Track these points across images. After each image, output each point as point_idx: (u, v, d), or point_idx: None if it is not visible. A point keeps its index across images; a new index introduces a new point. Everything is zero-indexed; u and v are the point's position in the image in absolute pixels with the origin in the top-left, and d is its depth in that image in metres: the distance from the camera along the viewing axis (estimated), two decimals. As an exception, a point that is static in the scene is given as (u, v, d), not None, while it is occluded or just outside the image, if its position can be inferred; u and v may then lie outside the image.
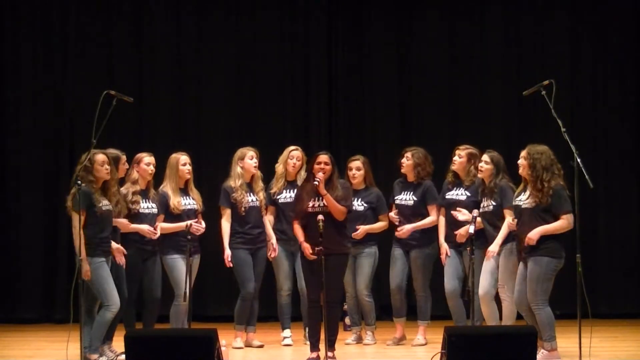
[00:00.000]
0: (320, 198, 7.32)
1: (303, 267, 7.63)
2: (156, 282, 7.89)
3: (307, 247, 7.27)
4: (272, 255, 8.38)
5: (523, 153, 7.28)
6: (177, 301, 7.98)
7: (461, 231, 7.93)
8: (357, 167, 8.42)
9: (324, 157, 7.39)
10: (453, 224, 8.09)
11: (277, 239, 8.41)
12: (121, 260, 7.42)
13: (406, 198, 8.41)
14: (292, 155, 8.43)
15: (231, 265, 8.24)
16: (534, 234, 7.09)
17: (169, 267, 7.96)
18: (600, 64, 10.73)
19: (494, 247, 7.61)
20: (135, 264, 7.67)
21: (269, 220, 8.41)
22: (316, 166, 7.37)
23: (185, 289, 7.66)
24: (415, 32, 10.79)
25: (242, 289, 8.25)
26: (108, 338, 7.50)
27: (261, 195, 8.33)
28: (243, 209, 8.24)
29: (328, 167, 7.36)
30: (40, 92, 10.53)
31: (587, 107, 10.71)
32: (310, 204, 7.35)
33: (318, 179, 7.29)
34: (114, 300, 7.11)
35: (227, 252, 8.22)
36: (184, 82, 10.67)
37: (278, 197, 8.40)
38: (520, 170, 7.34)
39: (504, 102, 10.66)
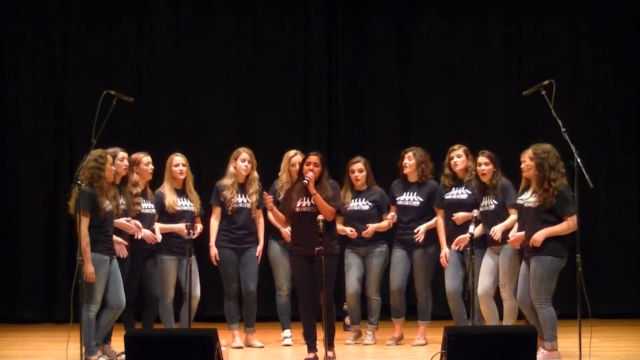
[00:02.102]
0: (309, 197, 7.32)
1: (293, 271, 7.57)
2: (155, 281, 7.88)
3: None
4: (258, 261, 8.37)
5: (528, 153, 7.26)
6: (164, 301, 7.99)
7: (461, 238, 7.95)
8: (359, 169, 8.42)
9: (313, 158, 7.38)
10: (452, 225, 8.11)
11: (277, 238, 8.41)
12: (123, 252, 7.42)
13: (410, 199, 8.40)
14: (293, 162, 8.37)
15: (216, 264, 8.25)
16: (538, 236, 7.08)
17: (159, 267, 7.96)
18: (600, 64, 10.73)
19: (497, 227, 7.58)
20: (134, 264, 7.67)
21: (271, 219, 8.39)
22: (306, 166, 7.37)
23: (185, 289, 7.68)
24: (416, 32, 10.79)
25: (225, 287, 8.28)
26: (108, 338, 7.50)
27: (253, 197, 8.30)
28: (231, 208, 8.24)
29: (318, 169, 7.35)
30: (41, 92, 10.53)
31: (587, 107, 10.71)
32: (299, 203, 7.35)
33: (308, 178, 7.28)
34: (96, 300, 7.08)
35: (213, 251, 8.23)
36: (184, 82, 10.66)
37: None
38: (526, 172, 7.32)
39: (503, 102, 10.66)
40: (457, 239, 7.97)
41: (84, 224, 6.99)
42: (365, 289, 8.46)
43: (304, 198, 7.35)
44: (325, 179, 7.42)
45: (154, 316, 7.95)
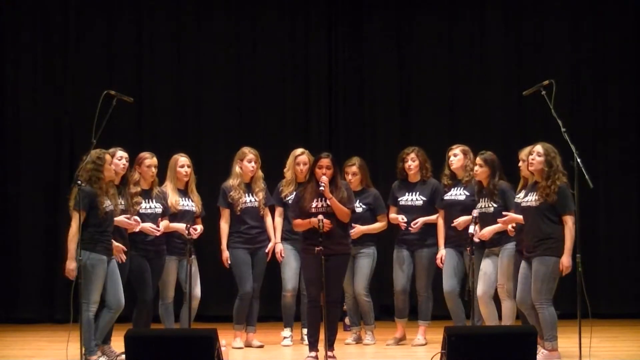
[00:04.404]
0: (324, 199, 7.32)
1: (303, 267, 7.62)
2: (152, 283, 7.85)
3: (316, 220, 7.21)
4: (268, 257, 8.36)
5: (537, 149, 7.16)
6: (164, 301, 8.01)
7: (459, 220, 7.96)
8: (352, 172, 8.41)
9: (325, 161, 7.35)
10: (453, 228, 8.11)
11: (286, 239, 8.39)
12: (122, 258, 7.41)
13: (413, 198, 8.40)
14: (299, 161, 8.41)
15: (228, 266, 8.25)
16: (568, 262, 7.04)
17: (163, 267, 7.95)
18: (600, 64, 10.72)
19: (486, 230, 7.60)
20: (140, 265, 7.66)
21: (277, 220, 8.40)
22: (318, 170, 7.36)
23: (185, 289, 7.68)
24: (416, 32, 10.79)
25: (240, 289, 8.25)
26: (108, 338, 7.50)
27: (260, 195, 8.32)
28: (239, 209, 8.24)
29: (330, 172, 7.34)
30: (40, 92, 10.52)
31: (587, 107, 10.71)
32: (314, 204, 7.34)
33: (323, 184, 7.27)
34: (94, 299, 7.07)
35: (225, 254, 8.23)
36: (184, 82, 10.66)
37: (288, 199, 8.35)
38: (533, 167, 7.22)
39: (504, 102, 10.66)
40: (459, 220, 7.96)
41: (75, 221, 6.98)
42: (354, 289, 8.46)
43: (319, 199, 7.34)
44: (339, 179, 7.44)
45: (144, 317, 7.83)
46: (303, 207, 7.38)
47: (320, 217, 7.17)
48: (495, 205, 7.72)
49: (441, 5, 10.78)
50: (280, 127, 10.64)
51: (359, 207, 8.36)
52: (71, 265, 7.00)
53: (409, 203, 8.41)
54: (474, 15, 10.80)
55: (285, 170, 8.52)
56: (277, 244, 8.41)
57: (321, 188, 7.26)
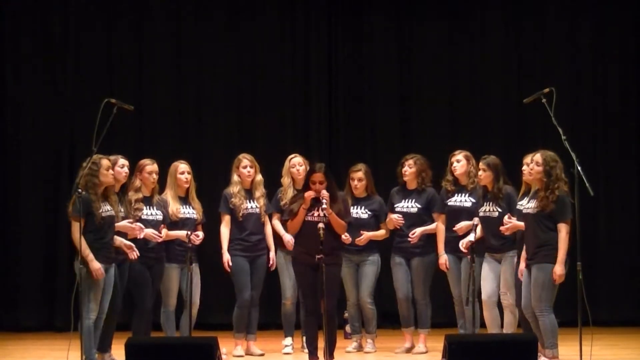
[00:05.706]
0: (319, 208, 7.29)
1: (297, 277, 7.57)
2: (151, 290, 7.85)
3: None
4: (272, 268, 8.37)
5: (536, 158, 7.20)
6: (165, 308, 8.00)
7: (461, 225, 7.98)
8: (358, 178, 8.41)
9: (318, 176, 7.31)
10: (455, 233, 8.10)
11: (284, 247, 8.39)
12: (133, 255, 7.40)
13: (408, 205, 8.40)
14: (293, 163, 8.43)
15: (229, 270, 8.24)
16: (561, 270, 7.05)
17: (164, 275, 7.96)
18: (600, 66, 10.72)
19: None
20: (140, 272, 7.66)
21: (275, 226, 8.40)
22: (312, 186, 7.34)
23: (185, 297, 7.67)
24: (416, 35, 10.79)
25: (239, 297, 8.24)
26: (108, 345, 7.49)
27: (261, 201, 8.32)
28: (241, 214, 8.24)
29: (323, 186, 7.32)
30: (41, 97, 10.51)
31: (587, 111, 10.69)
32: (311, 213, 7.33)
33: (325, 201, 7.22)
34: (92, 308, 7.06)
35: (226, 257, 8.21)
36: (183, 84, 10.64)
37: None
38: (532, 176, 7.25)
39: (504, 103, 10.64)
40: (461, 225, 8.00)
41: (75, 229, 6.98)
42: (359, 296, 8.45)
43: (316, 208, 7.32)
44: (336, 192, 7.41)
45: (143, 325, 7.81)
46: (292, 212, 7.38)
47: (321, 225, 7.16)
48: (500, 210, 7.72)
49: (441, 8, 10.78)
50: (280, 129, 10.62)
51: (364, 214, 8.37)
52: (95, 265, 7.00)
53: (404, 210, 8.40)
54: (474, 15, 10.80)
55: (282, 178, 8.52)
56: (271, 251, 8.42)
57: (323, 207, 7.25)
